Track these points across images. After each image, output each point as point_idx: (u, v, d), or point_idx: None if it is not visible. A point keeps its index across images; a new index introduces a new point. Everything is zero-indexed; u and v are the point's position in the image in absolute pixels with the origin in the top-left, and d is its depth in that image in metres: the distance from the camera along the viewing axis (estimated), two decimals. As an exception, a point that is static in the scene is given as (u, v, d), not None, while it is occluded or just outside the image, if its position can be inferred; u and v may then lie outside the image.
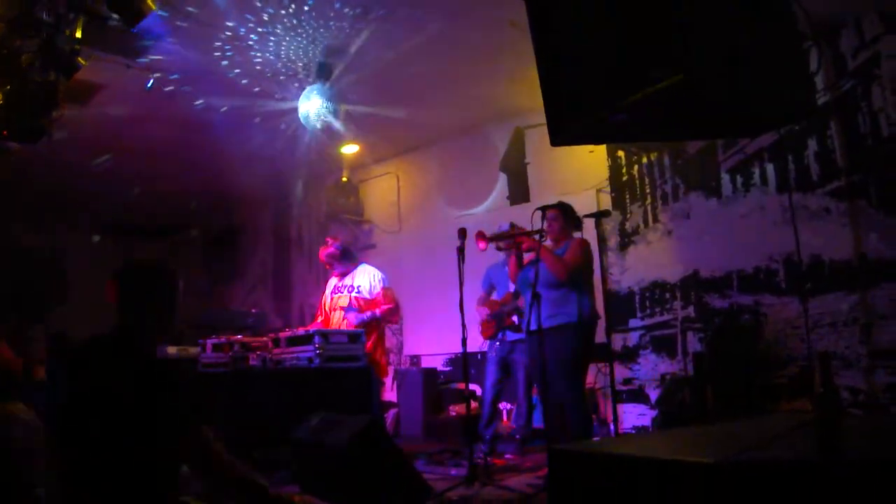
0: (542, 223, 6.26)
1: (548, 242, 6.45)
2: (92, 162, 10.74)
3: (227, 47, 8.21)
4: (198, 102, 9.30)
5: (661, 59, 3.00)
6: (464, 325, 6.47)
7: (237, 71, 8.68)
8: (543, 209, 6.26)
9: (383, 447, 4.93)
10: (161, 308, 3.48)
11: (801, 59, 4.38)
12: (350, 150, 10.55)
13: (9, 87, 7.32)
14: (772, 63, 3.24)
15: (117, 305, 3.40)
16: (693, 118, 3.53)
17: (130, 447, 2.96)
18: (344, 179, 11.37)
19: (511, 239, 6.75)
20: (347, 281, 8.13)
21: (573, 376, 6.15)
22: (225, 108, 9.68)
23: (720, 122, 3.67)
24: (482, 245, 6.90)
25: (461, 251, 6.55)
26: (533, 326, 6.05)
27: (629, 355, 8.99)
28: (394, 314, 8.21)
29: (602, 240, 8.31)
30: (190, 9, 7.29)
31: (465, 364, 6.67)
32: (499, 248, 7.46)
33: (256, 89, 9.12)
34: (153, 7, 6.27)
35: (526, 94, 9.58)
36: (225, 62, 8.46)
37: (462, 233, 6.61)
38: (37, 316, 11.87)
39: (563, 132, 3.53)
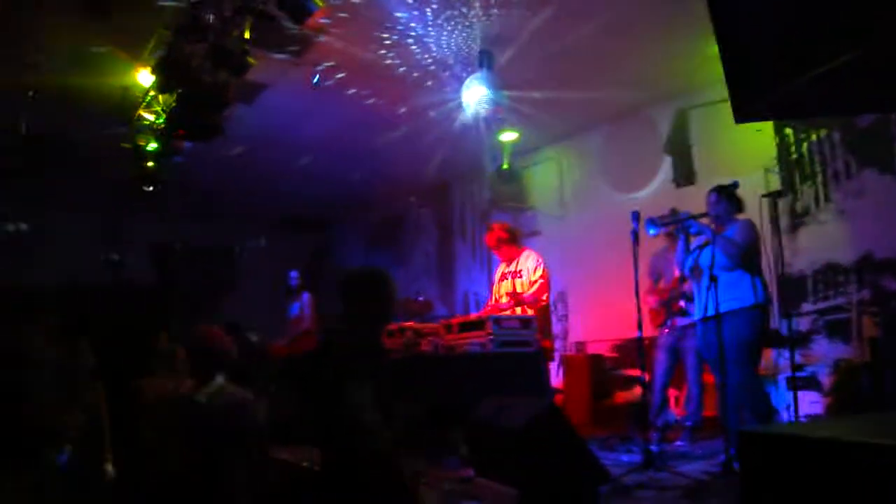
0: (709, 205, 6.22)
1: (713, 226, 6.37)
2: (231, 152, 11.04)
3: (390, 40, 8.36)
4: (361, 90, 9.52)
5: (844, 32, 2.94)
6: (639, 309, 6.44)
7: (399, 63, 8.83)
8: (718, 191, 6.22)
9: (562, 430, 4.95)
10: (380, 308, 4.15)
11: None
12: (510, 136, 10.55)
13: (181, 89, 7.66)
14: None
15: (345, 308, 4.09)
16: (878, 91, 3.45)
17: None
18: (505, 166, 11.40)
19: (680, 223, 6.67)
20: (513, 266, 8.18)
21: (750, 361, 6.06)
22: (387, 101, 9.87)
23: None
24: (653, 230, 6.85)
25: (636, 234, 6.49)
26: (709, 312, 5.99)
27: (801, 341, 8.75)
28: (541, 292, 8.19)
29: (773, 221, 8.12)
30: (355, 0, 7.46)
31: (640, 348, 6.63)
32: (668, 234, 7.40)
33: (418, 80, 9.27)
34: (321, 4, 6.44)
35: (689, 74, 9.50)
36: (387, 54, 8.62)
37: (637, 216, 6.55)
38: (211, 309, 12.32)
39: (747, 109, 3.48)
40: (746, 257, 6.12)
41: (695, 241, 6.59)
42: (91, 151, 10.86)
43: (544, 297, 8.01)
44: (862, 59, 2.81)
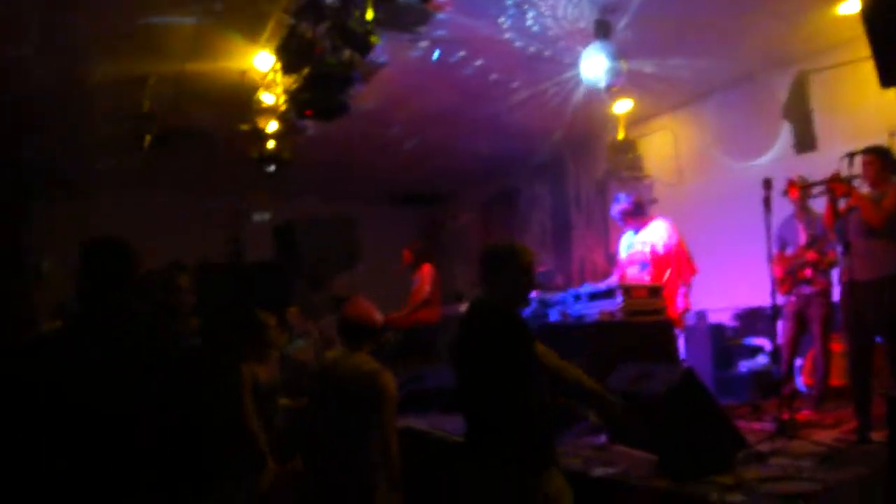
0: (850, 169, 6.14)
1: (865, 189, 6.27)
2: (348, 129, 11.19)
3: (507, 12, 8.40)
4: (476, 64, 9.59)
5: None
6: (773, 280, 6.44)
7: (516, 35, 8.87)
8: (852, 154, 6.13)
9: (700, 397, 5.00)
10: (519, 279, 4.35)
11: None
12: (625, 106, 10.53)
13: (307, 70, 7.85)
14: None
15: (481, 280, 4.38)
16: None
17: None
18: (620, 136, 11.37)
19: (824, 186, 6.58)
20: (642, 236, 8.22)
21: (894, 331, 5.98)
22: (502, 75, 9.93)
23: None
24: (795, 194, 6.81)
25: (767, 203, 6.44)
26: (849, 278, 5.95)
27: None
28: (687, 265, 8.24)
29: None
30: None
31: (773, 316, 6.62)
32: (807, 198, 7.32)
33: (533, 52, 9.29)
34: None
35: (808, 37, 9.35)
36: (504, 26, 8.66)
37: (767, 183, 6.50)
38: (323, 282, 12.53)
39: (894, 74, 3.48)
40: (893, 222, 6.02)
41: (844, 205, 6.50)
42: (213, 134, 11.20)
43: (683, 264, 8.08)
44: None
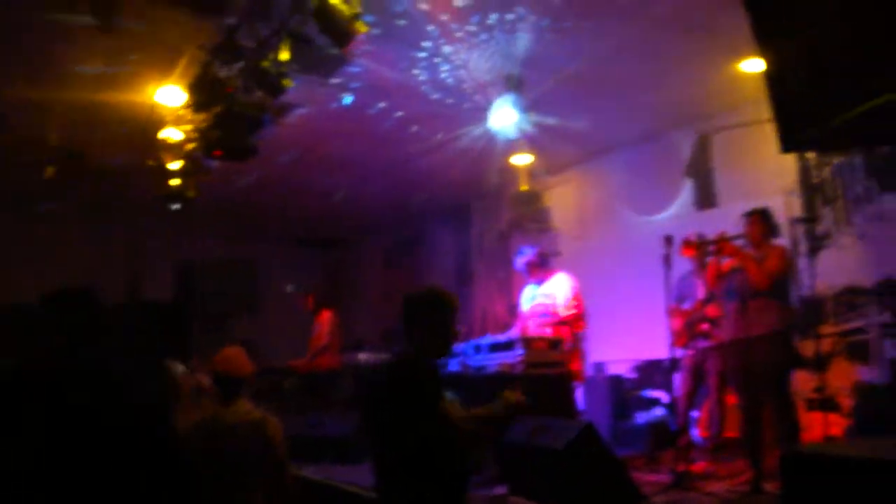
0: (742, 229, 6.33)
1: (748, 249, 6.45)
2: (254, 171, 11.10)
3: (420, 63, 8.48)
4: (386, 111, 9.63)
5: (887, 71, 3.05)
6: (670, 333, 6.55)
7: (428, 84, 8.93)
8: (747, 215, 6.32)
9: (598, 451, 5.05)
10: (443, 330, 4.13)
11: None
12: (527, 159, 10.72)
13: (218, 110, 7.78)
14: None
15: (405, 329, 4.12)
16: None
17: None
18: (524, 188, 11.51)
19: (715, 245, 6.75)
20: (544, 289, 8.30)
21: (780, 385, 6.14)
22: (412, 123, 9.99)
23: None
24: (689, 252, 6.96)
25: (667, 259, 6.57)
26: (736, 335, 6.09)
27: (820, 363, 8.82)
28: (579, 320, 8.33)
29: (794, 245, 8.22)
30: (399, 22, 7.56)
31: (671, 369, 6.83)
32: (704, 255, 7.48)
33: (445, 101, 9.37)
34: (364, 29, 6.54)
35: (711, 98, 9.58)
36: (419, 77, 8.73)
37: (667, 241, 6.64)
38: (223, 326, 12.36)
39: (793, 140, 3.58)
40: (775, 282, 6.21)
41: (727, 265, 6.67)
42: (117, 168, 10.99)
43: (582, 320, 8.17)
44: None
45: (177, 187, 9.83)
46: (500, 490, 6.00)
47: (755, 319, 6.15)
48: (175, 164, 9.53)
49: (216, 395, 5.06)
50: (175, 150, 9.35)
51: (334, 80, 8.48)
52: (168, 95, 8.67)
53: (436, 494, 3.86)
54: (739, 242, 6.50)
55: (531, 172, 11.45)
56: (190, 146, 8.95)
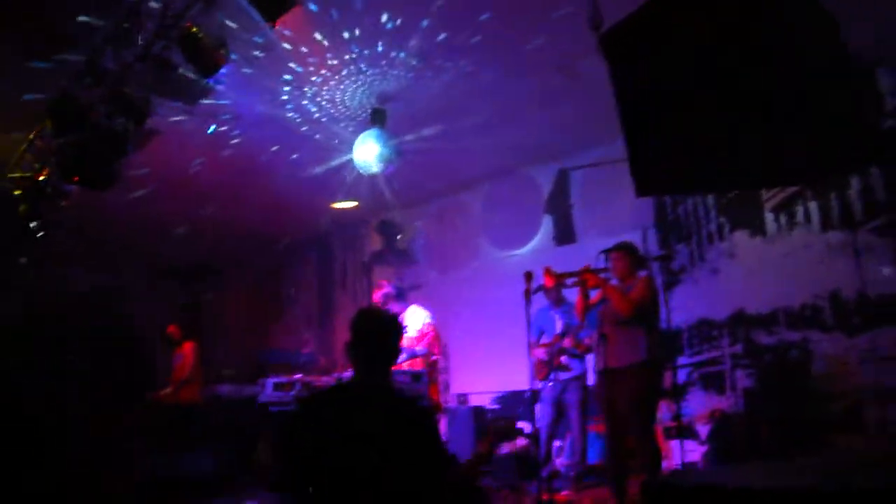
0: (606, 264, 6.47)
1: (614, 282, 6.59)
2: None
3: (284, 94, 8.47)
4: (252, 141, 9.56)
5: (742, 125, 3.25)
6: (532, 366, 6.64)
7: (293, 116, 8.93)
8: (607, 251, 6.48)
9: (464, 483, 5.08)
10: (388, 351, 3.84)
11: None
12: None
13: (78, 136, 7.56)
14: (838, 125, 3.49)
15: (350, 352, 3.80)
16: (772, 170, 3.76)
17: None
18: (387, 220, 11.58)
19: (577, 277, 6.87)
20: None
21: (644, 415, 6.24)
22: (277, 155, 9.94)
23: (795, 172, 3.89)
24: (550, 282, 7.07)
25: (527, 294, 6.64)
26: (602, 366, 6.22)
27: (677, 392, 9.09)
28: (432, 346, 8.40)
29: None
30: (256, 53, 7.53)
31: (532, 400, 6.83)
32: (561, 287, 7.61)
33: (311, 134, 9.37)
34: (229, 58, 6.51)
35: (571, 137, 9.82)
36: (286, 110, 8.72)
37: (528, 276, 6.72)
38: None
39: (648, 185, 3.74)
40: (640, 312, 6.31)
41: (594, 297, 6.80)
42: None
43: (436, 351, 8.22)
44: (764, 148, 3.09)
45: (24, 213, 9.42)
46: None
47: (621, 350, 6.26)
48: (32, 189, 9.16)
49: None
50: (33, 174, 8.99)
51: (199, 109, 8.37)
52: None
53: None
54: (605, 276, 6.61)
55: (395, 204, 11.50)
56: (46, 172, 8.63)
